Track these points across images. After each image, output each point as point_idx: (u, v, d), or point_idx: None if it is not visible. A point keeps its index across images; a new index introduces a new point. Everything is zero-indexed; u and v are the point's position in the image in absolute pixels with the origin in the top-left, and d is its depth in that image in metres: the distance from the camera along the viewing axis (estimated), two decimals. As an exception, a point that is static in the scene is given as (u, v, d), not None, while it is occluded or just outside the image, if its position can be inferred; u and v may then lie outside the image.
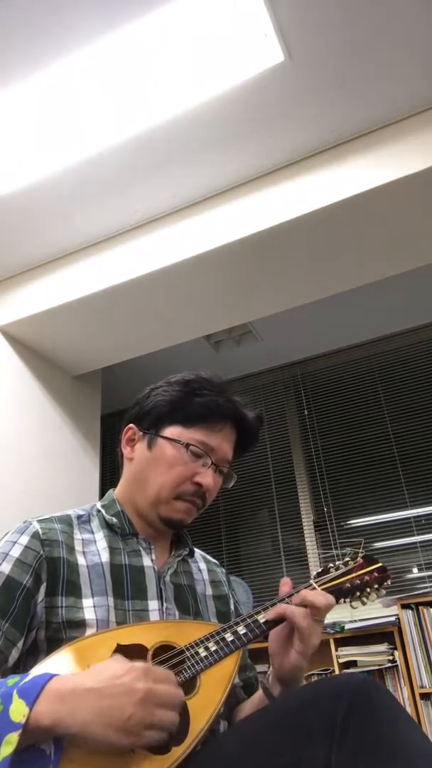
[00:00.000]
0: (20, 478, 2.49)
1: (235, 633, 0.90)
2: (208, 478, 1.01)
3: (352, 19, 1.71)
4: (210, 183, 2.27)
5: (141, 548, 1.03)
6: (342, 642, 2.73)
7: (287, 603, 0.93)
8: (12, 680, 0.74)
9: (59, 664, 0.81)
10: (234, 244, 2.22)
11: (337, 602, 0.96)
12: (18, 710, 0.69)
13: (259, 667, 1.14)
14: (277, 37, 1.73)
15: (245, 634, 0.90)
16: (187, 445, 1.01)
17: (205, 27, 1.69)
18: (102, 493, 3.03)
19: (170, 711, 0.74)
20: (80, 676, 0.75)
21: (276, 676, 0.94)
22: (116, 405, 3.55)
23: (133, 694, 0.71)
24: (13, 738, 0.67)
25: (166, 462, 1.02)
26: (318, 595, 0.92)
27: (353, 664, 2.67)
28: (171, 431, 1.03)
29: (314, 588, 0.97)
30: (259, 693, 1.01)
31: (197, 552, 1.16)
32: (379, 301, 3.26)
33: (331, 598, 0.93)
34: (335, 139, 2.13)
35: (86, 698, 0.71)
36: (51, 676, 0.74)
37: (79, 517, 1.04)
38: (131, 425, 1.09)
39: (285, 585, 0.98)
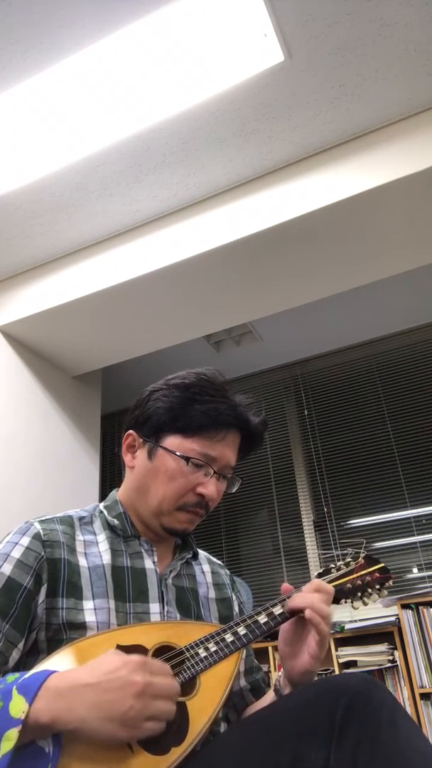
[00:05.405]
0: (20, 478, 2.50)
1: (235, 634, 0.90)
2: (210, 488, 0.99)
3: (352, 19, 1.71)
4: (210, 183, 2.27)
5: (143, 550, 1.02)
6: (342, 642, 2.73)
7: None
8: (12, 677, 0.74)
9: (59, 663, 0.80)
10: (234, 244, 2.22)
11: (338, 602, 0.96)
12: (17, 706, 0.69)
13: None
14: (277, 37, 1.73)
15: (245, 635, 0.90)
16: (188, 459, 0.99)
17: (205, 27, 1.69)
18: (102, 494, 3.04)
19: (168, 702, 0.75)
20: (78, 672, 0.75)
21: (287, 678, 0.94)
22: (116, 405, 3.55)
23: (131, 686, 0.72)
24: (12, 734, 0.67)
25: (167, 474, 0.99)
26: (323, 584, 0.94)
27: (353, 664, 2.67)
28: (171, 442, 1.00)
29: None
30: (270, 695, 1.00)
31: (201, 553, 1.15)
32: (379, 301, 3.26)
33: (331, 588, 0.93)
34: (335, 138, 2.13)
35: (84, 694, 0.71)
36: (50, 673, 0.74)
37: (81, 518, 1.03)
38: (131, 432, 1.06)
39: (286, 592, 0.97)
